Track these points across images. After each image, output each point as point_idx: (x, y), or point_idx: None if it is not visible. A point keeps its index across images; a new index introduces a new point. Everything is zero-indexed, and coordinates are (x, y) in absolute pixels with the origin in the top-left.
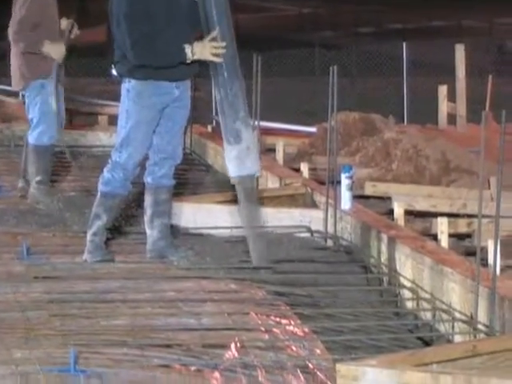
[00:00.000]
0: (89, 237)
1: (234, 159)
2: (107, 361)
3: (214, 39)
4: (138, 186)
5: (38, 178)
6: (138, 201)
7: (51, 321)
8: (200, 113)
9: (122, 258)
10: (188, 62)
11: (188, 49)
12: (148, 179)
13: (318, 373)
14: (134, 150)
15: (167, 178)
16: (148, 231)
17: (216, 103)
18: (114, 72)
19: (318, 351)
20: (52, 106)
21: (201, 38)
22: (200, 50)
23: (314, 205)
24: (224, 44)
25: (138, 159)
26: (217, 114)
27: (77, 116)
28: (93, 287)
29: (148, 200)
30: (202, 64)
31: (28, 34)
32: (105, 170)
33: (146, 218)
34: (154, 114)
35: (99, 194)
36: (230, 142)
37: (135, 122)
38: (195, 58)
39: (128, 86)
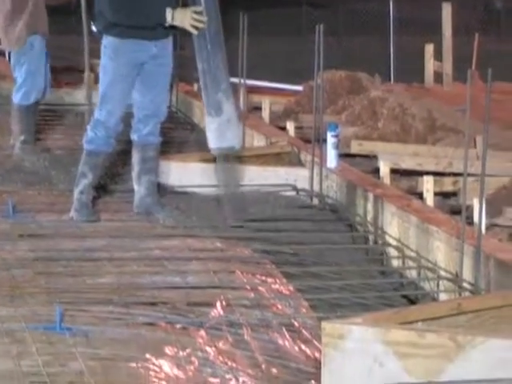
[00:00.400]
0: (75, 195)
1: (215, 131)
2: (93, 319)
3: (197, 13)
4: (123, 143)
5: (22, 138)
6: (123, 159)
7: (36, 279)
8: (186, 71)
9: (108, 216)
10: (166, 25)
11: (169, 13)
12: (134, 137)
13: (304, 331)
14: (112, 107)
15: (153, 135)
16: (135, 187)
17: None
18: (94, 28)
19: (304, 309)
20: (40, 65)
21: (185, 5)
22: (181, 18)
23: (299, 163)
24: (205, 19)
25: (118, 116)
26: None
27: (63, 74)
28: (78, 245)
29: (135, 157)
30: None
31: None
32: (88, 128)
33: (134, 174)
34: (130, 70)
35: (84, 152)
36: (211, 113)
37: (111, 79)
38: (174, 23)
39: (105, 42)
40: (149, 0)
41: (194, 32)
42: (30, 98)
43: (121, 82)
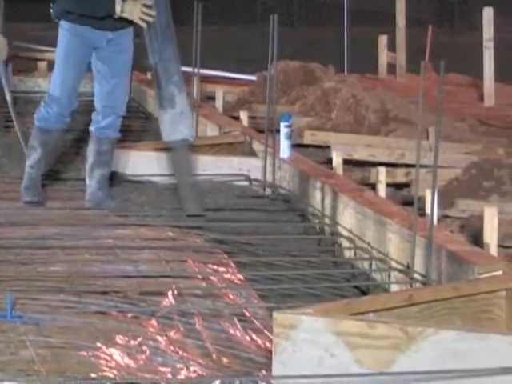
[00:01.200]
0: (26, 168)
1: (168, 123)
2: (44, 307)
3: (147, 6)
4: (79, 132)
5: None
6: (78, 147)
7: None
8: (140, 59)
9: (60, 204)
10: (115, 16)
11: (118, 4)
12: (92, 128)
13: (255, 321)
14: (63, 82)
15: (112, 129)
16: (87, 181)
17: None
18: (52, 13)
19: (255, 300)
20: None
21: None
22: (130, 10)
23: (252, 153)
24: (154, 13)
25: (72, 93)
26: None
27: (15, 61)
28: (30, 233)
29: (91, 148)
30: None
31: None
32: (41, 104)
33: (87, 166)
34: (84, 50)
35: (34, 128)
36: (164, 106)
37: (66, 57)
38: (123, 15)
39: (62, 23)
40: None
41: (143, 25)
42: None
43: (72, 58)
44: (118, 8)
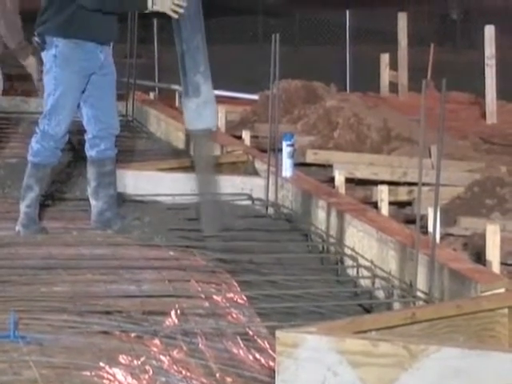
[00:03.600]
0: (23, 208)
1: (192, 112)
2: (47, 327)
3: None
4: (73, 153)
5: None
6: (77, 167)
7: None
8: (142, 80)
9: (63, 224)
10: (146, 11)
11: None
12: (91, 153)
13: (258, 340)
14: (63, 118)
15: (110, 149)
16: (93, 202)
17: (158, 70)
18: (37, 39)
19: (258, 318)
20: None
21: None
22: (161, 2)
23: (255, 172)
24: (185, 4)
25: (67, 126)
26: (159, 81)
27: (19, 82)
28: (33, 253)
29: (92, 172)
30: (146, 29)
31: None
32: (33, 140)
33: (90, 189)
34: (82, 80)
35: (29, 164)
36: (189, 95)
37: (64, 89)
38: (155, 8)
39: (55, 51)
40: None
41: (175, 16)
42: None
43: (74, 92)
44: (149, 1)
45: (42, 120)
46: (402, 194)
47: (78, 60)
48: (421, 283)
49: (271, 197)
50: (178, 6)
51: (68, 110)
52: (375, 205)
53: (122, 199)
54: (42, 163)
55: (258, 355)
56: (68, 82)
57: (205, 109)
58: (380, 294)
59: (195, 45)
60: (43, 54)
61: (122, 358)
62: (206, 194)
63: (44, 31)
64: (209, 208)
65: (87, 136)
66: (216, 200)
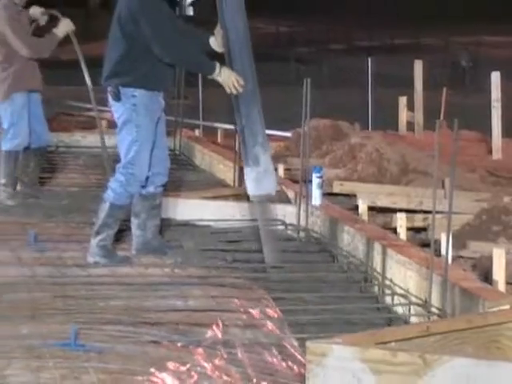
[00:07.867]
0: (96, 242)
1: (253, 180)
2: (104, 337)
3: (239, 77)
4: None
5: (3, 181)
6: None
7: (54, 301)
8: (188, 118)
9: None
10: (209, 76)
11: (218, 67)
12: (150, 189)
13: (291, 349)
14: (145, 162)
15: (164, 183)
16: (138, 232)
17: (202, 110)
18: (111, 89)
19: (290, 330)
20: (21, 117)
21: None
22: (226, 75)
23: (288, 201)
24: (243, 83)
25: (148, 169)
26: (203, 119)
27: (78, 120)
28: (91, 272)
29: (144, 205)
30: (191, 73)
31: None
32: (115, 185)
33: (139, 221)
34: (155, 124)
35: (110, 206)
36: (250, 164)
37: (146, 135)
38: (217, 78)
39: (134, 100)
40: (193, 47)
41: (233, 91)
42: (12, 146)
43: (151, 137)
44: (217, 70)
45: (126, 166)
46: (418, 221)
47: (153, 106)
48: (435, 300)
49: (302, 222)
50: (239, 85)
51: (149, 154)
52: (394, 230)
53: (170, 224)
54: (124, 205)
55: (290, 363)
56: (148, 128)
57: (264, 176)
58: (398, 309)
59: (253, 119)
60: (116, 104)
61: (170, 365)
62: (267, 226)
63: (120, 83)
64: (271, 241)
65: (149, 174)
66: (275, 234)
